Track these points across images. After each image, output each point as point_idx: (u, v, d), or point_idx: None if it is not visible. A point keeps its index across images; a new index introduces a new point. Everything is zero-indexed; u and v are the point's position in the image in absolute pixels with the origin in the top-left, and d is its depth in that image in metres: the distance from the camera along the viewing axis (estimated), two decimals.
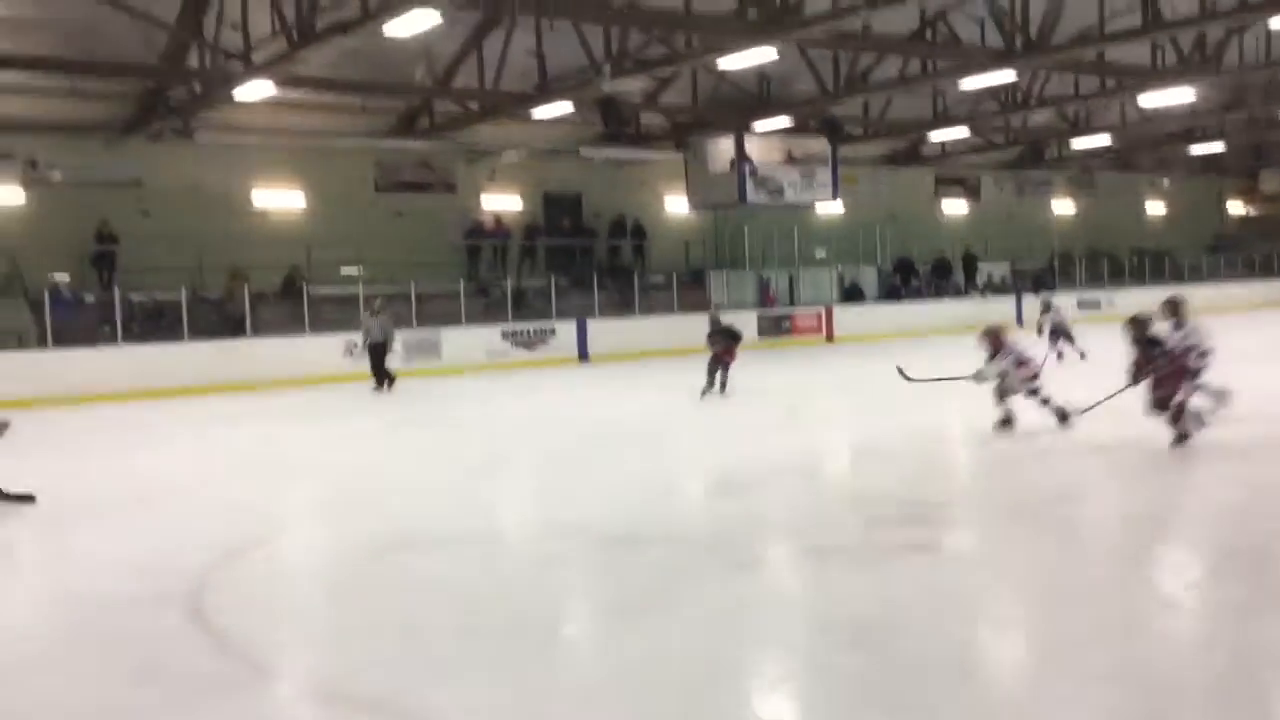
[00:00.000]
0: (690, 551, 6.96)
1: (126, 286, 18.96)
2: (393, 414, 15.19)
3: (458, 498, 9.02)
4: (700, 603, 5.85)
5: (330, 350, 19.43)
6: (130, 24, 16.69)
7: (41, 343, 17.67)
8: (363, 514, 8.45)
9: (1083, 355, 17.03)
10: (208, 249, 20.16)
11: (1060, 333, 17.77)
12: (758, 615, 5.73)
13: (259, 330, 19.46)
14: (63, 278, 19.07)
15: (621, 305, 24.20)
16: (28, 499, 8.84)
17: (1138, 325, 9.81)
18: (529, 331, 22.28)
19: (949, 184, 34.44)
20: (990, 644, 5.34)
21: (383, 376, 17.48)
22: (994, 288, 31.28)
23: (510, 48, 19.26)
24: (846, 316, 27.23)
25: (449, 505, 8.68)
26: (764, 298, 27.09)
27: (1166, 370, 9.55)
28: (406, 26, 13.80)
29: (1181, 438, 9.51)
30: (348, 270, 21.44)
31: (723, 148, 24.89)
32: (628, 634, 5.52)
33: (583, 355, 22.59)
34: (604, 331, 22.94)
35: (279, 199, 23.29)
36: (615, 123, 22.02)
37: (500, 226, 25.46)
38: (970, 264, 31.56)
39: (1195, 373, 9.68)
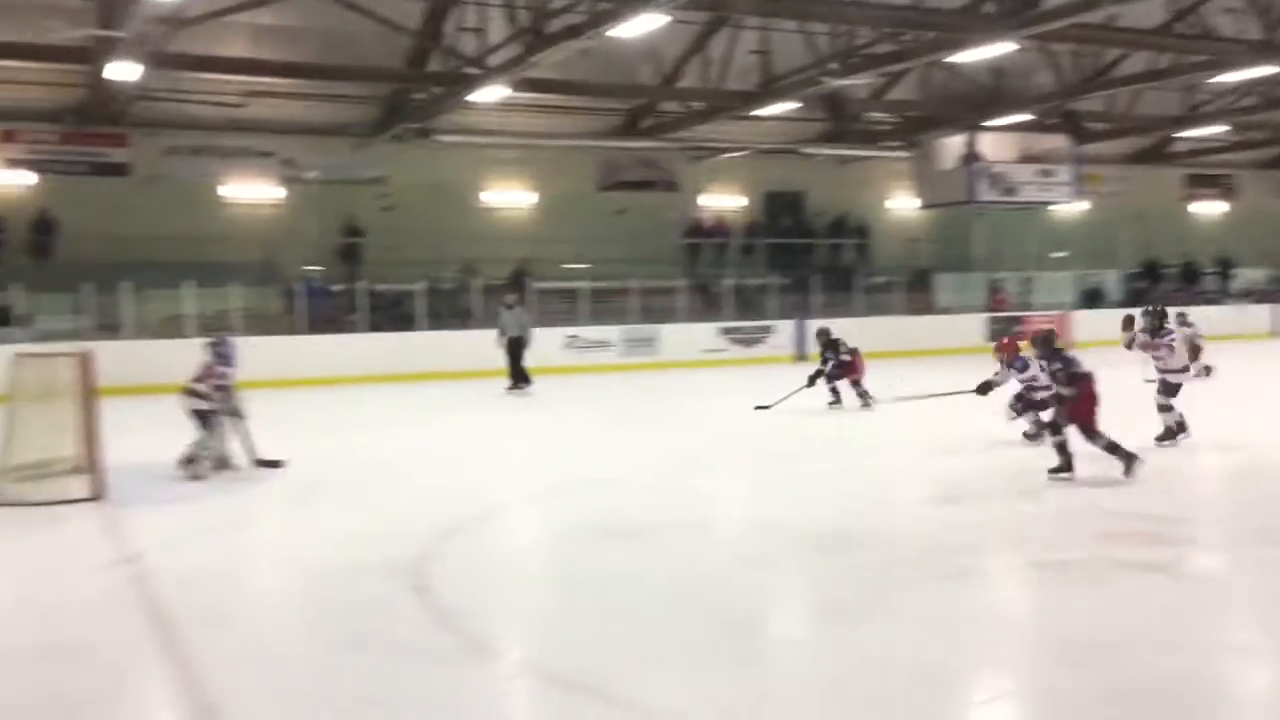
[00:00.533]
0: (904, 558, 6.79)
1: (370, 278, 20.15)
2: (608, 406, 15.51)
3: (667, 490, 9.12)
4: (911, 611, 5.69)
5: (552, 342, 20.02)
6: (378, 32, 17.68)
7: (294, 329, 19.04)
8: (573, 501, 8.68)
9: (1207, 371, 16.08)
10: (443, 243, 21.19)
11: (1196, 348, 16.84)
12: (973, 627, 5.52)
13: (487, 321, 20.26)
14: (314, 269, 20.44)
15: (842, 305, 23.82)
16: (277, 464, 9.75)
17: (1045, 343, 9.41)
18: (747, 329, 22.26)
19: (1200, 183, 32.16)
20: (1227, 672, 4.96)
21: (519, 376, 16.69)
22: (1252, 294, 28.97)
23: (735, 47, 19.31)
24: (1086, 321, 25.81)
25: (658, 497, 8.79)
26: (994, 300, 26.07)
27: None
28: (634, 28, 14.04)
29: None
30: (570, 265, 22.03)
31: (953, 144, 24.08)
32: (832, 638, 5.44)
33: (800, 354, 22.37)
34: None
35: (508, 196, 24.20)
36: (840, 120, 21.72)
37: (721, 225, 25.58)
38: (1225, 268, 29.38)
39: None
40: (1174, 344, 10.51)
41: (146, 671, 5.00)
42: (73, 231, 19.48)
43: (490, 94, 17.81)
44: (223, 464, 9.79)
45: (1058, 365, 9.05)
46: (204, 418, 9.64)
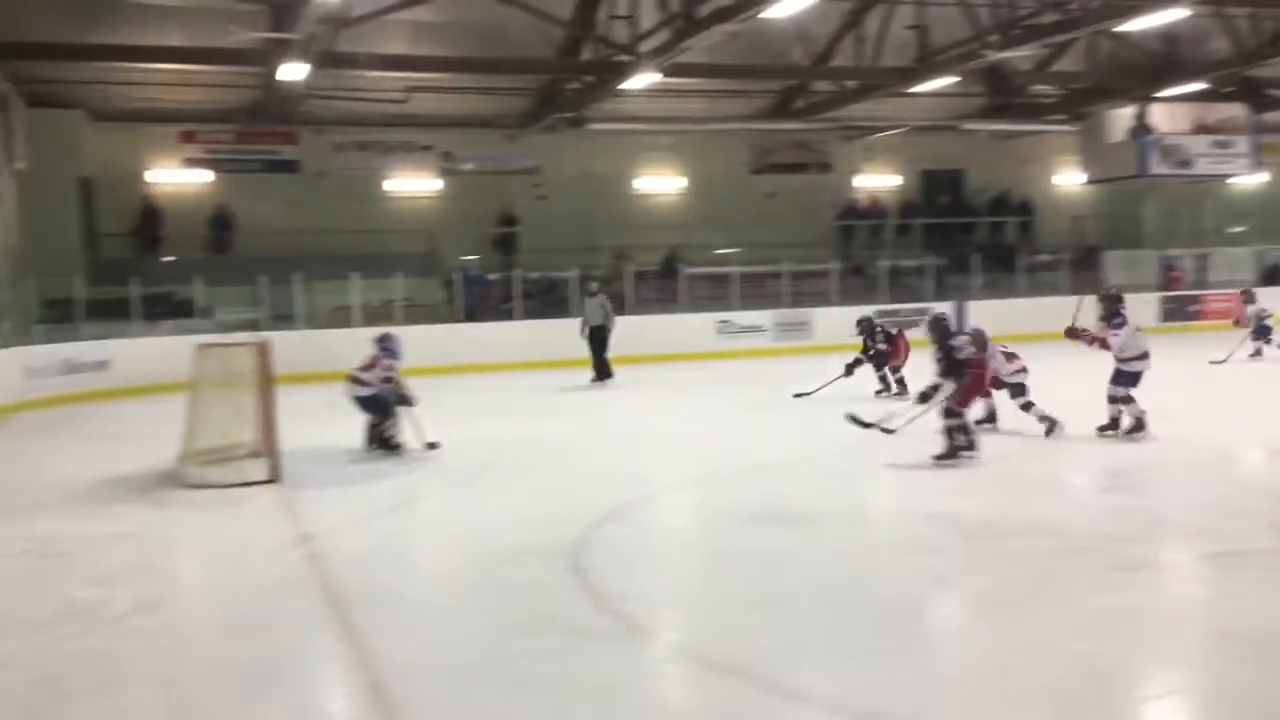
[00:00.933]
0: (1069, 547, 6.55)
1: (524, 266, 20.55)
2: (764, 390, 15.41)
3: (823, 476, 9.02)
4: (1077, 602, 5.50)
5: (704, 328, 20.03)
6: (531, 24, 17.95)
7: (453, 317, 19.59)
8: (729, 486, 8.67)
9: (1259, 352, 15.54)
10: (596, 230, 21.45)
11: (1265, 329, 15.77)
12: (1142, 619, 5.30)
13: (639, 308, 20.41)
14: (471, 259, 20.95)
15: (1004, 286, 23.06)
16: (435, 445, 10.17)
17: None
18: (903, 312, 21.77)
19: None
20: None
21: (602, 367, 16.30)
22: None
23: (891, 22, 18.88)
24: (1268, 300, 24.33)
25: (814, 482, 8.71)
26: (1167, 279, 24.81)
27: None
28: (785, 8, 13.86)
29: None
30: (721, 250, 21.97)
31: (1122, 116, 23.00)
32: (993, 627, 5.29)
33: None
34: (984, 313, 21.92)
35: (658, 183, 24.30)
36: (1002, 94, 20.99)
37: (876, 205, 25.10)
38: None
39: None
40: (1123, 331, 9.94)
41: (320, 646, 5.24)
42: (248, 226, 20.50)
43: (641, 80, 17.86)
44: (392, 447, 10.19)
45: (940, 354, 9.19)
46: (367, 403, 10.09)
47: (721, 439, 11.22)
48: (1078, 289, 22.78)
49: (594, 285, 17.13)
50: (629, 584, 6.11)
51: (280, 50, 14.75)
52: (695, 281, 20.99)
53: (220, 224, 20.75)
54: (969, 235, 25.28)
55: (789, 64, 21.35)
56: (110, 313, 17.08)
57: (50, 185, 18.27)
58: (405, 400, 10.27)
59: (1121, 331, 9.91)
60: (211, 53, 17.29)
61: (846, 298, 21.67)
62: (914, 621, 5.43)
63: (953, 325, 9.89)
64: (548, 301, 20.51)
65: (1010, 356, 10.62)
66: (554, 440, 11.25)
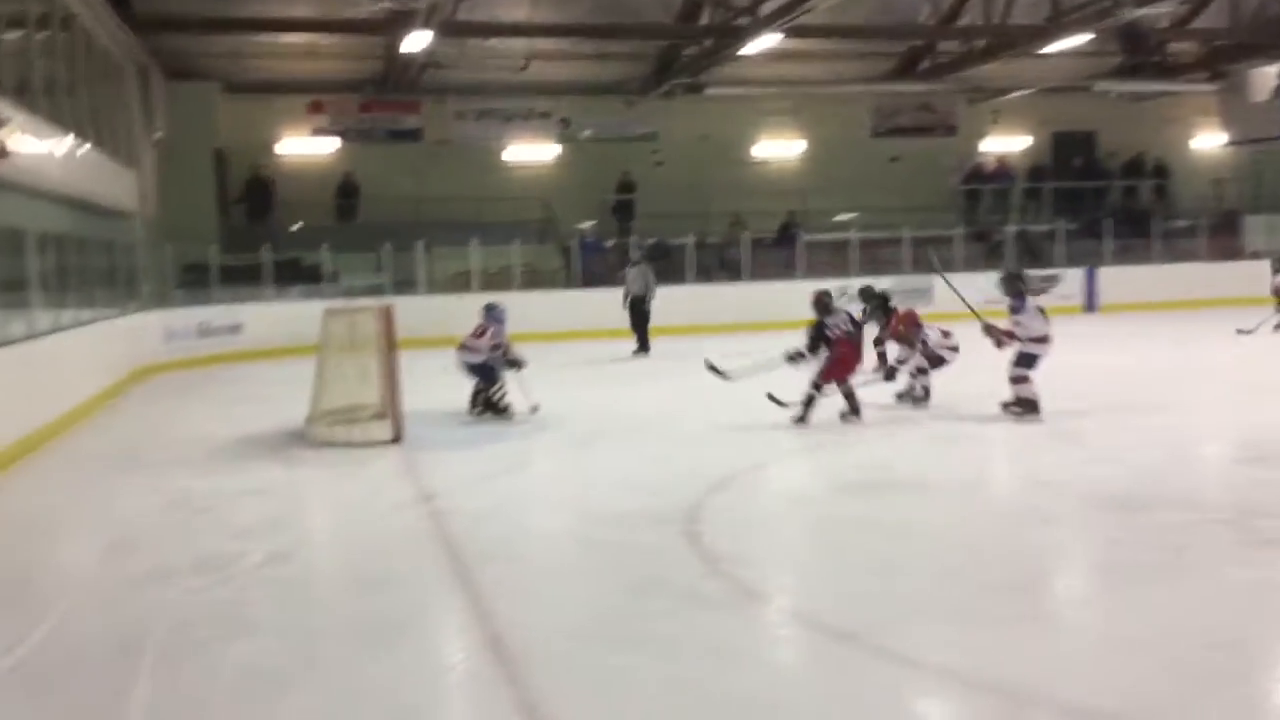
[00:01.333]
0: (1205, 521, 6.31)
1: (641, 233, 20.58)
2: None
3: (935, 442, 8.84)
4: (1212, 576, 5.30)
5: None
6: None
7: (571, 283, 19.77)
8: (844, 453, 8.58)
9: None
10: (713, 196, 21.34)
11: None
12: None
13: (755, 275, 20.25)
14: (588, 226, 21.08)
15: (1137, 252, 22.21)
16: (536, 409, 10.40)
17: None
18: (1031, 279, 21.14)
19: None
20: None
21: (644, 340, 16.03)
22: None
23: None
24: None
25: (930, 450, 8.54)
26: None
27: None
28: None
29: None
30: (841, 217, 21.63)
31: (1267, 75, 21.85)
32: (1120, 599, 5.13)
33: (1089, 305, 21.11)
34: (1116, 280, 21.25)
35: (777, 148, 24.02)
36: (1138, 53, 20.12)
37: (1003, 168, 24.38)
38: None
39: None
40: (1029, 312, 9.73)
41: (441, 602, 5.37)
42: (372, 194, 20.98)
43: (761, 44, 17.65)
44: (499, 410, 10.38)
45: (813, 329, 9.52)
46: (477, 370, 10.36)
47: (834, 406, 11.08)
48: (1217, 255, 21.92)
49: (637, 253, 16.87)
50: (742, 548, 6.10)
51: (404, 20, 15.02)
52: (813, 248, 20.72)
53: (346, 192, 21.29)
54: (1101, 200, 24.39)
55: (915, 24, 20.84)
56: (243, 278, 17.73)
57: (186, 155, 19.00)
58: (515, 364, 10.49)
59: (1023, 315, 9.71)
60: (338, 24, 17.73)
61: (970, 264, 21.15)
62: (1034, 592, 5.30)
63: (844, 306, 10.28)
64: (663, 268, 20.51)
65: (945, 334, 10.67)
66: (668, 405, 11.29)
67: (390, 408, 9.45)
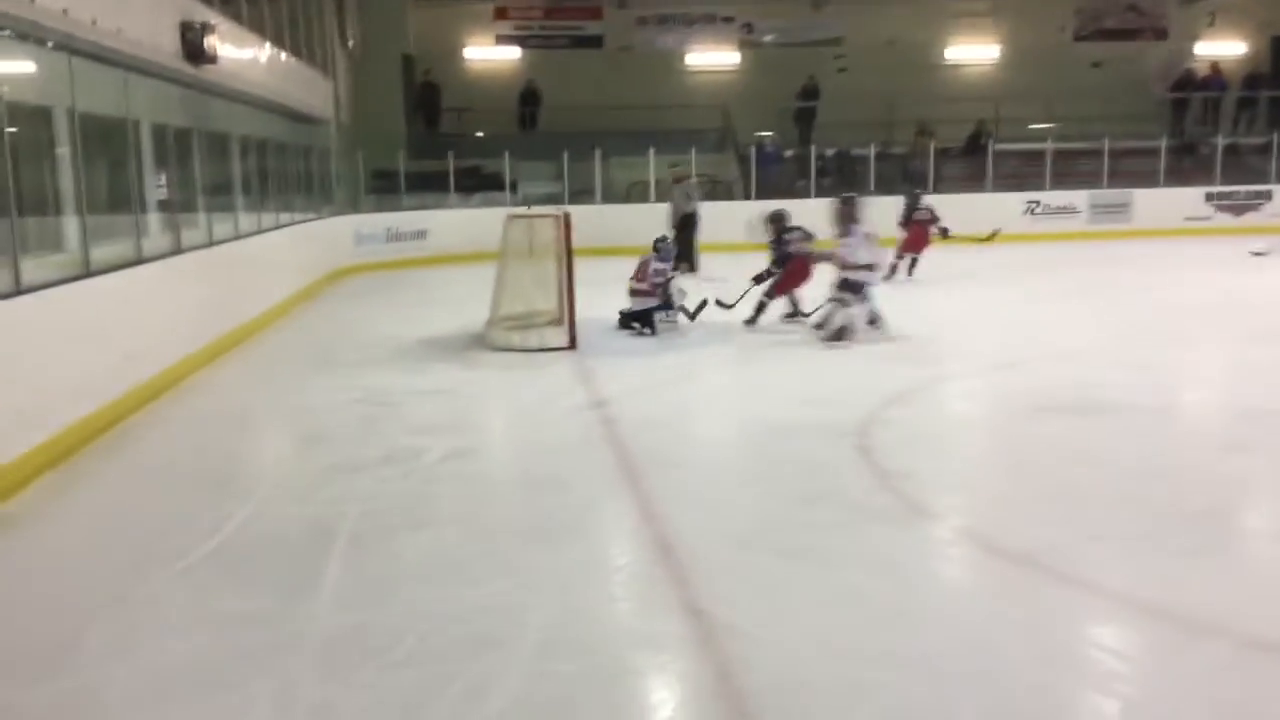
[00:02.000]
0: None
1: (822, 143, 20.11)
2: (1072, 276, 14.51)
3: (1133, 368, 8.42)
4: None
5: (1012, 208, 18.99)
6: None
7: (748, 194, 19.52)
8: (1029, 373, 8.29)
9: None
10: (899, 104, 20.62)
11: None
12: None
13: (941, 187, 19.55)
14: (767, 135, 20.72)
15: None
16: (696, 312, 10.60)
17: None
18: (1239, 194, 19.75)
19: None
20: None
21: (692, 259, 14.69)
22: None
23: None
24: None
25: (1122, 374, 8.16)
26: None
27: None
28: None
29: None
30: (1036, 126, 20.57)
31: None
32: None
33: None
34: None
35: (971, 52, 22.95)
36: None
37: (1216, 75, 22.65)
38: None
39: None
40: (855, 239, 9.62)
41: (611, 504, 5.49)
42: (553, 102, 21.15)
43: None
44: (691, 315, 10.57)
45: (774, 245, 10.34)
46: (644, 315, 10.41)
47: (1024, 324, 10.71)
48: None
49: (683, 169, 16.34)
50: (914, 465, 6.00)
51: None
52: (1003, 159, 19.83)
53: (527, 100, 21.54)
54: None
55: None
56: (428, 185, 18.24)
57: (377, 63, 19.56)
58: (681, 293, 10.62)
59: (851, 240, 9.51)
60: None
61: (1174, 179, 19.90)
62: (1221, 523, 5.04)
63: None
64: (843, 178, 20.03)
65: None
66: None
67: (566, 314, 9.63)
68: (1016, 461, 6.19)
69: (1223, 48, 23.22)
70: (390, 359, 9.47)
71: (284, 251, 12.78)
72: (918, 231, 14.27)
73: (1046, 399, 7.37)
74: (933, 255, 14.43)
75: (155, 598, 4.40)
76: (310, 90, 15.53)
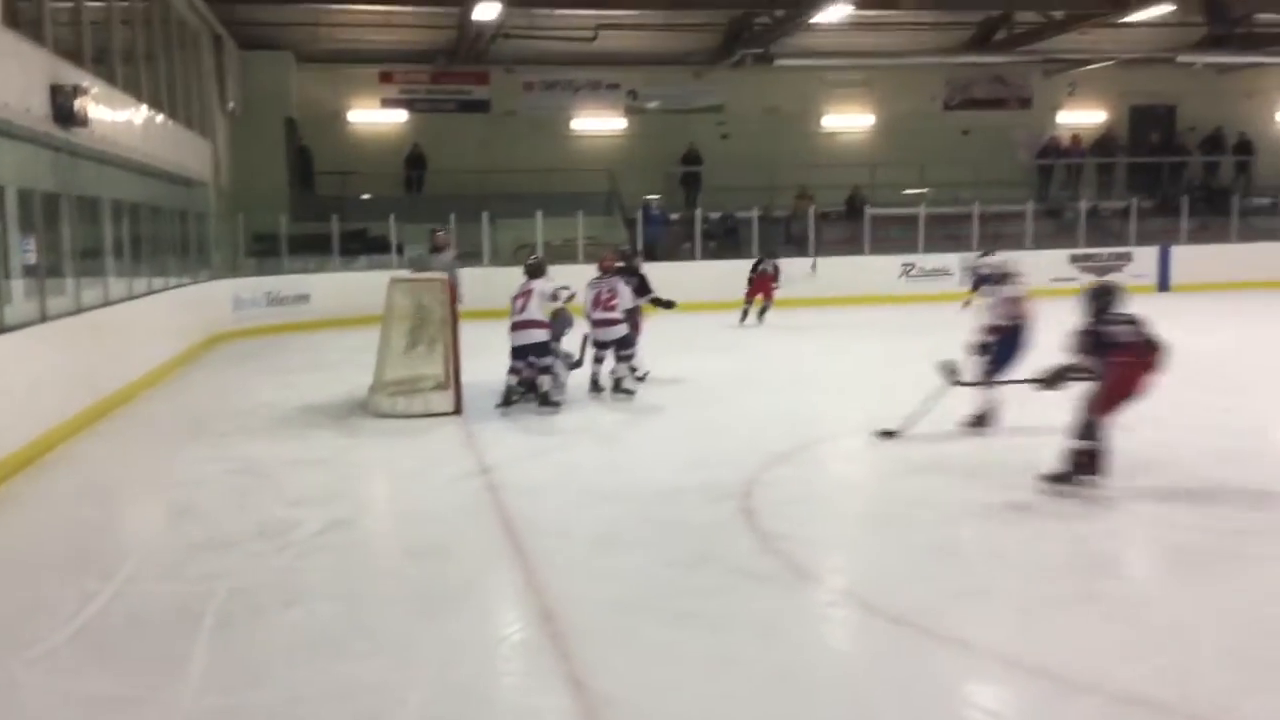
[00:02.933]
0: (1272, 509, 6.17)
1: (707, 206, 20.47)
2: (942, 336, 14.94)
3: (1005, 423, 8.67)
4: (1274, 562, 5.16)
5: (889, 270, 19.56)
6: None
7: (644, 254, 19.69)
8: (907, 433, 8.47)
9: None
10: (780, 169, 21.15)
11: None
12: None
13: (822, 250, 20.03)
14: (653, 198, 20.99)
15: (1215, 230, 21.57)
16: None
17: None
18: (1101, 256, 20.71)
19: None
20: None
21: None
22: None
23: None
24: None
25: (984, 435, 8.38)
26: None
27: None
28: None
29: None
30: (911, 191, 21.31)
31: None
32: (1179, 588, 5.04)
33: (1163, 284, 20.60)
34: (1191, 259, 20.69)
35: (847, 120, 23.72)
36: (1222, 23, 19.48)
37: (1078, 143, 23.82)
38: None
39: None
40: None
41: (495, 574, 5.41)
42: (439, 165, 21.11)
43: (833, 13, 17.39)
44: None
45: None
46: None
47: (895, 386, 10.95)
48: None
49: (444, 235, 14.55)
50: (795, 527, 6.07)
51: None
52: (880, 222, 20.45)
53: (414, 163, 21.46)
54: (1179, 176, 23.75)
55: None
56: (311, 248, 17.95)
57: (259, 125, 19.27)
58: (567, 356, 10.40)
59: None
60: None
61: (1041, 241, 20.77)
62: (1093, 578, 5.20)
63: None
64: (728, 241, 20.41)
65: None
66: (728, 380, 11.24)
67: (451, 379, 9.53)
68: (894, 520, 6.29)
69: (1083, 116, 24.44)
70: (267, 427, 9.24)
71: (157, 317, 12.41)
72: (760, 284, 16.12)
73: (919, 458, 7.54)
74: (801, 314, 14.83)
75: (13, 683, 4.17)
76: (188, 153, 15.23)
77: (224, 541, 5.90)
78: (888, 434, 8.17)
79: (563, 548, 5.77)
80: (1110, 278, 10.32)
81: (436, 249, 13.73)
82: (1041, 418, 8.58)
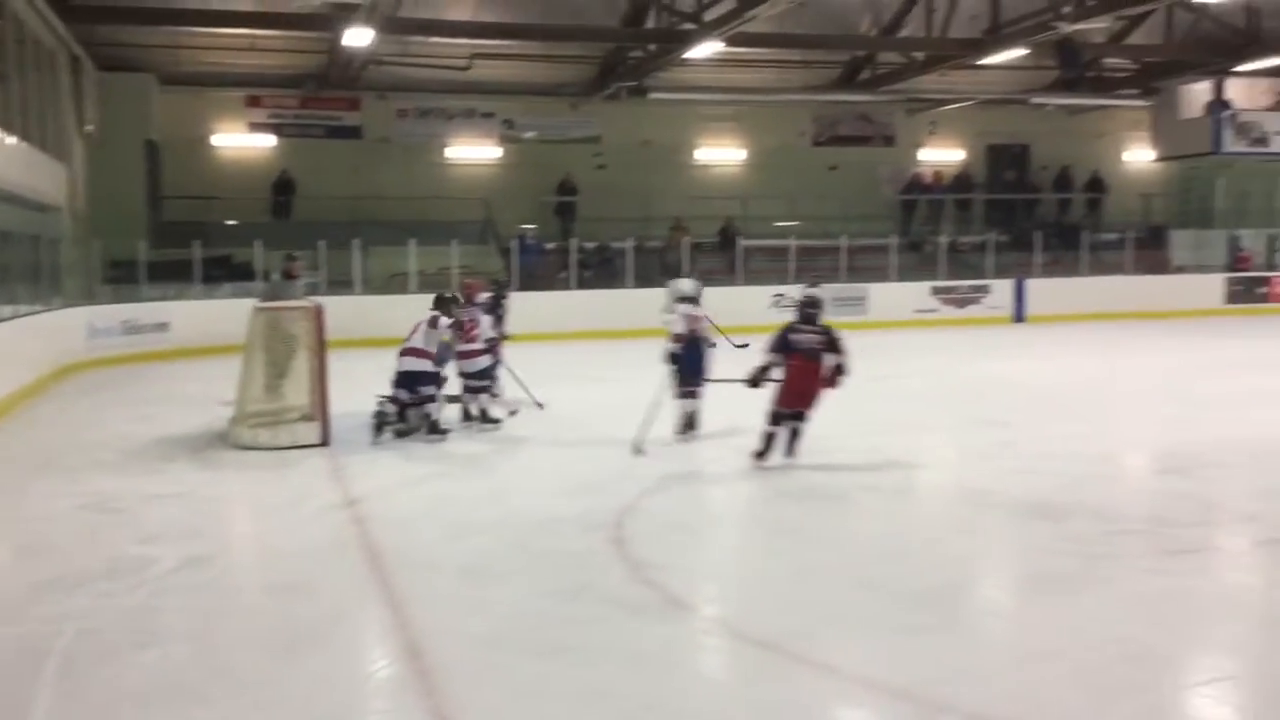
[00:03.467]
0: (1115, 530, 6.44)
1: (583, 236, 20.53)
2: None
3: (869, 453, 8.87)
4: (1122, 585, 5.42)
5: (760, 301, 19.89)
6: None
7: (509, 285, 19.58)
8: (773, 461, 8.60)
9: None
10: (654, 201, 21.37)
11: None
12: (1194, 605, 5.18)
13: (696, 280, 20.22)
14: (528, 228, 20.95)
15: (1066, 264, 22.59)
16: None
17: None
18: (961, 288, 21.47)
19: None
20: None
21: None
22: None
23: None
24: None
25: (860, 459, 8.56)
26: (1237, 260, 24.18)
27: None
28: None
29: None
30: (781, 224, 21.76)
31: (1197, 92, 22.44)
32: (1034, 608, 5.24)
33: (1018, 316, 21.45)
34: (1044, 291, 21.61)
35: (719, 154, 24.14)
36: (1073, 68, 20.48)
37: (938, 180, 24.72)
38: None
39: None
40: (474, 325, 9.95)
41: (360, 610, 5.29)
42: (308, 191, 20.68)
43: (705, 50, 17.69)
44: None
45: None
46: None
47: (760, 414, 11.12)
48: (1144, 269, 22.40)
49: (298, 264, 14.53)
50: (666, 556, 6.09)
51: (346, 15, 14.81)
52: (751, 254, 20.82)
53: (281, 189, 20.97)
54: (1032, 212, 24.86)
55: (856, 35, 21.04)
56: (172, 275, 17.36)
57: (118, 148, 18.59)
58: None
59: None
60: (278, 18, 17.41)
61: (904, 274, 21.42)
62: (952, 601, 5.35)
63: None
64: (603, 272, 20.49)
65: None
66: (601, 410, 11.24)
67: (318, 410, 9.31)
68: (761, 548, 6.39)
69: (944, 154, 25.37)
70: (121, 460, 8.84)
71: (3, 346, 11.80)
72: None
73: (788, 485, 7.69)
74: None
75: None
76: (41, 176, 14.59)
77: (73, 580, 5.62)
78: (639, 452, 8.71)
79: (432, 581, 5.68)
80: (816, 290, 10.44)
81: (289, 276, 13.13)
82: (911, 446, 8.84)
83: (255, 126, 21.69)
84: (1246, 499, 7.32)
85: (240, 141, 21.55)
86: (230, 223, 19.84)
